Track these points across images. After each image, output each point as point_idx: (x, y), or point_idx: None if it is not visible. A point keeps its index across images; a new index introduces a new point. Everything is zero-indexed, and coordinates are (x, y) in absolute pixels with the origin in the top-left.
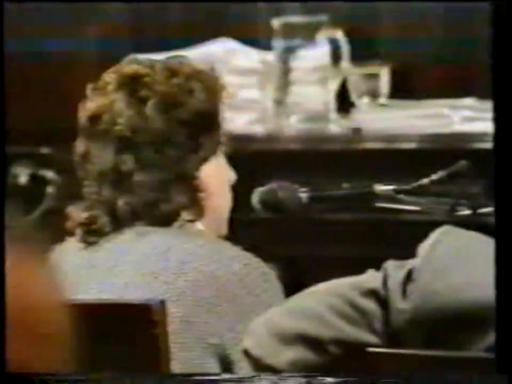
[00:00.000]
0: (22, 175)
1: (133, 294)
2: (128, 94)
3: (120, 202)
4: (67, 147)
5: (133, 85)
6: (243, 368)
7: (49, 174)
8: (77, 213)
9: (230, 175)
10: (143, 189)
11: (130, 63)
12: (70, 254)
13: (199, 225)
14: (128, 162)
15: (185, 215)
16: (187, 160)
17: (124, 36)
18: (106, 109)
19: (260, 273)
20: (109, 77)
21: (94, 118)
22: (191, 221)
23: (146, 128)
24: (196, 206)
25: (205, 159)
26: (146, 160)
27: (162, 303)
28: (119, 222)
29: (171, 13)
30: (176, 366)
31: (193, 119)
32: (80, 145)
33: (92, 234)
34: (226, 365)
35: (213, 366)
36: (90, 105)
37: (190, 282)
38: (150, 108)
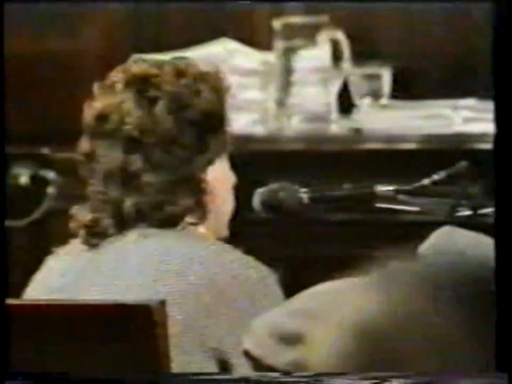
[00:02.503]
0: (23, 175)
1: (135, 296)
2: (137, 93)
3: (127, 203)
4: (68, 147)
5: (141, 85)
6: (242, 373)
7: (50, 174)
8: (81, 214)
9: (232, 178)
10: (150, 190)
11: (137, 63)
12: (73, 255)
13: (200, 228)
14: (136, 162)
15: (188, 218)
16: (194, 161)
17: (124, 36)
18: (114, 109)
19: (260, 278)
20: (117, 76)
21: (101, 117)
22: (194, 224)
23: (155, 128)
24: (200, 208)
25: (210, 161)
26: (154, 161)
27: (162, 303)
28: (122, 224)
29: (171, 13)
30: (176, 369)
31: (200, 119)
32: (85, 145)
33: (95, 236)
34: (225, 369)
35: (212, 370)
36: (97, 105)
37: (191, 286)
38: (159, 108)
